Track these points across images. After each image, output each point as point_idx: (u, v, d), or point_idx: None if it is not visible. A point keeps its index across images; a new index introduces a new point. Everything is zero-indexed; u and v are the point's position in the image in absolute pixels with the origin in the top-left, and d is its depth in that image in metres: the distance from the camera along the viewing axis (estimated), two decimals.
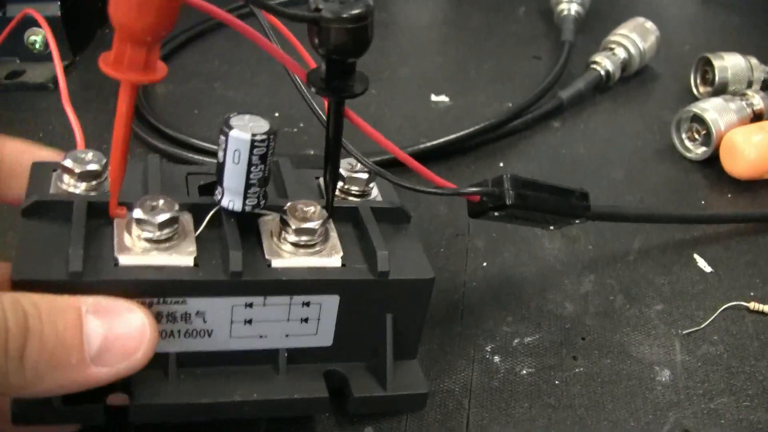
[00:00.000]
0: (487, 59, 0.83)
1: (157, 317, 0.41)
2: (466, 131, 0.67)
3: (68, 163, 0.43)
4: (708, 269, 0.56)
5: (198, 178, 0.47)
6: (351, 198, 0.47)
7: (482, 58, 0.84)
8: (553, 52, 0.82)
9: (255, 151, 0.40)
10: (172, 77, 0.80)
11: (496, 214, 0.47)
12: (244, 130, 0.40)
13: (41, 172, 0.45)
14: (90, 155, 0.44)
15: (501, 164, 0.66)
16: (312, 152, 0.65)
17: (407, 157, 0.45)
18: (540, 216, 0.49)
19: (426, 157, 0.65)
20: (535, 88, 0.72)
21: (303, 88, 0.46)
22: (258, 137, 0.40)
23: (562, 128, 0.72)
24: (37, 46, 0.81)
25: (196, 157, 0.66)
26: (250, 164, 0.40)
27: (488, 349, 0.50)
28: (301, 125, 0.70)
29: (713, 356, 0.49)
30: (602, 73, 0.76)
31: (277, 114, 0.72)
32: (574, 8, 0.85)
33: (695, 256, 0.57)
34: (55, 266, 0.39)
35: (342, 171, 0.46)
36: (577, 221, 0.49)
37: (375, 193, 0.48)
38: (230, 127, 0.40)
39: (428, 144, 0.65)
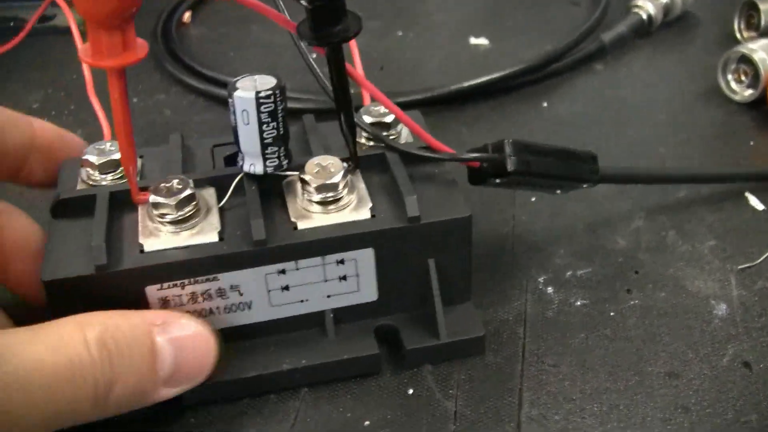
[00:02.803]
0: (524, 4, 0.81)
1: (193, 297, 0.39)
2: (508, 70, 0.64)
3: (90, 156, 0.42)
4: (760, 207, 0.52)
5: (224, 149, 0.45)
6: (380, 139, 0.44)
7: (519, 3, 0.81)
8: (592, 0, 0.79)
9: (262, 108, 0.39)
10: (206, 20, 0.80)
11: (497, 181, 0.44)
12: (247, 89, 0.38)
13: (69, 169, 0.44)
14: (110, 145, 0.43)
15: (545, 104, 0.64)
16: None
17: (403, 114, 0.43)
18: (545, 182, 0.45)
19: (468, 96, 0.63)
20: (575, 32, 0.70)
21: (299, 44, 0.44)
22: (263, 93, 0.38)
23: (604, 71, 0.69)
24: None
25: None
26: (260, 123, 0.39)
27: (541, 280, 0.47)
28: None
29: None
30: (644, 16, 0.72)
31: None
32: None
33: (747, 194, 0.53)
34: (81, 262, 0.38)
35: (367, 116, 0.45)
36: (585, 186, 0.46)
37: (405, 133, 0.45)
38: (235, 89, 0.38)
39: (471, 83, 0.63)
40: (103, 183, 0.43)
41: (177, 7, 0.79)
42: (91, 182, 0.43)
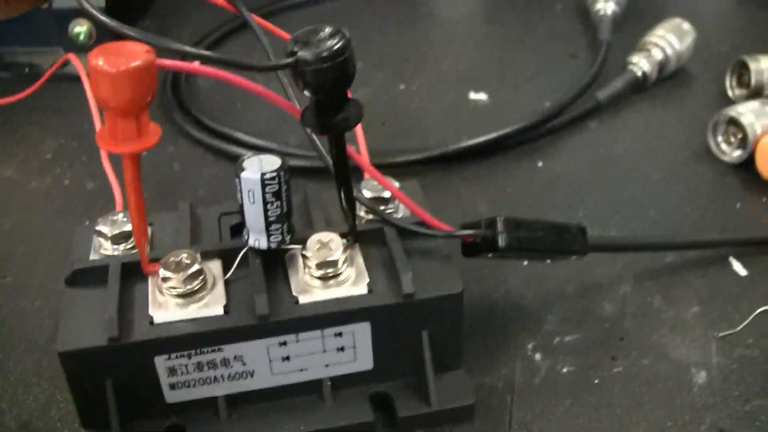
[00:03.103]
0: (524, 56, 0.82)
1: (198, 366, 0.41)
2: (504, 131, 0.66)
3: (103, 228, 0.44)
4: (743, 272, 0.54)
5: (230, 218, 0.47)
6: (378, 214, 0.46)
7: (520, 55, 0.82)
8: (590, 51, 0.81)
9: (267, 189, 0.40)
10: None
11: (489, 255, 0.46)
12: (253, 170, 0.40)
13: (82, 236, 0.46)
14: (123, 216, 0.45)
15: (540, 163, 0.65)
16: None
17: (399, 193, 0.45)
18: (535, 255, 0.48)
19: (466, 155, 0.65)
20: (572, 86, 0.71)
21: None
22: (267, 175, 0.40)
23: (599, 128, 0.70)
24: (81, 37, 0.79)
25: (240, 150, 0.65)
26: (265, 202, 0.41)
27: (530, 346, 0.49)
28: None
29: (748, 359, 0.48)
30: (639, 73, 0.73)
31: None
32: (611, 8, 0.82)
33: (731, 259, 0.55)
34: (95, 333, 0.40)
35: (366, 191, 0.46)
36: (574, 257, 0.48)
37: (403, 207, 0.47)
38: (241, 169, 0.40)
39: (469, 143, 0.65)
40: (115, 253, 0.45)
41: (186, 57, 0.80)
42: (103, 252, 0.45)
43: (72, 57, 0.57)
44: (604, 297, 0.53)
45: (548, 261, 0.50)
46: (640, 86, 0.74)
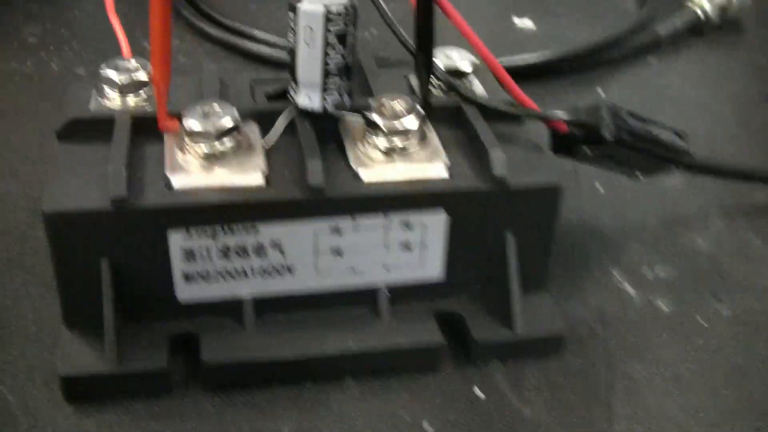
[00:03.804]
0: None
1: (224, 252, 0.31)
2: (564, 51, 0.57)
3: (109, 72, 0.34)
4: None
5: (265, 86, 0.37)
6: (455, 89, 0.36)
7: None
8: None
9: (330, 26, 0.31)
10: None
11: (587, 151, 0.36)
12: (316, 2, 0.30)
13: (78, 89, 0.35)
14: (134, 63, 0.34)
15: (599, 90, 0.57)
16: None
17: (496, 63, 0.34)
18: (637, 158, 0.38)
19: (521, 74, 0.54)
20: (622, 24, 0.63)
21: None
22: (334, 8, 0.31)
23: (659, 64, 0.62)
24: None
25: (258, 47, 0.56)
26: (326, 44, 0.31)
27: (617, 276, 0.40)
28: (374, 32, 0.59)
29: None
30: (699, 12, 0.66)
31: None
32: None
33: None
34: (93, 193, 0.30)
35: (438, 59, 0.36)
36: (674, 170, 0.39)
37: (478, 87, 0.37)
38: (299, 0, 0.31)
39: (522, 61, 0.56)
40: (122, 107, 0.34)
41: None
42: (107, 104, 0.34)
43: None
44: (692, 230, 0.43)
45: (639, 176, 0.39)
46: (699, 28, 0.66)
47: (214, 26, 0.59)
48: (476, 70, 0.38)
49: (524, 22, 0.66)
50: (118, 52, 0.39)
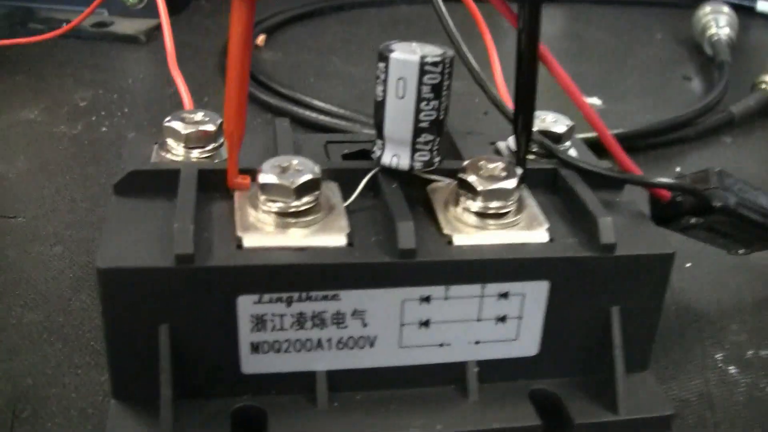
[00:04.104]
0: (632, 74, 0.72)
1: (299, 320, 0.28)
2: (641, 128, 0.56)
3: (174, 124, 0.30)
4: None
5: (341, 147, 0.34)
6: (551, 151, 0.33)
7: (627, 73, 0.72)
8: (703, 74, 0.72)
9: (425, 79, 0.28)
10: (281, 46, 0.71)
11: (693, 221, 0.33)
12: (408, 52, 0.28)
13: (138, 143, 0.32)
14: (201, 115, 0.31)
15: (678, 169, 0.53)
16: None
17: (600, 124, 0.31)
18: (744, 229, 0.34)
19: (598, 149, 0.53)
20: (686, 107, 0.61)
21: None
22: (429, 59, 0.27)
23: (733, 144, 0.60)
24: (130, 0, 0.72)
25: (319, 117, 0.54)
26: (419, 99, 0.28)
27: (719, 357, 0.36)
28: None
29: None
30: None
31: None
32: (725, 32, 0.76)
33: None
34: (156, 250, 0.26)
35: None
36: None
37: (573, 151, 0.34)
38: (390, 51, 0.28)
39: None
40: (186, 160, 0.31)
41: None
42: (170, 157, 0.31)
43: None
44: None
45: (741, 251, 0.36)
46: None
47: (273, 96, 0.57)
48: (569, 135, 0.34)
49: (593, 101, 0.65)
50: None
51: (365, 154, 0.32)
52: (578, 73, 0.70)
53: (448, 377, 0.30)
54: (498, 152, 0.35)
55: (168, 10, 0.65)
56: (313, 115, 0.54)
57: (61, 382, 0.32)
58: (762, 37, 0.81)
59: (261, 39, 0.70)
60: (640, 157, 0.55)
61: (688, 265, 0.42)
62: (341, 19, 0.80)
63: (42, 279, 0.38)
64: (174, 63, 0.38)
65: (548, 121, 0.34)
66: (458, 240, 0.28)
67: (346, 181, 0.30)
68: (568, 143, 0.34)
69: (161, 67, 0.47)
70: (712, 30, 0.76)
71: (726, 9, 0.78)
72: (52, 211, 0.43)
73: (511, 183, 0.29)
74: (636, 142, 0.56)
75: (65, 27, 0.54)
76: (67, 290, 0.37)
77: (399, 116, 0.28)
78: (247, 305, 0.27)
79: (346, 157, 0.33)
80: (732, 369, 0.35)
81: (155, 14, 0.70)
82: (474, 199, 0.29)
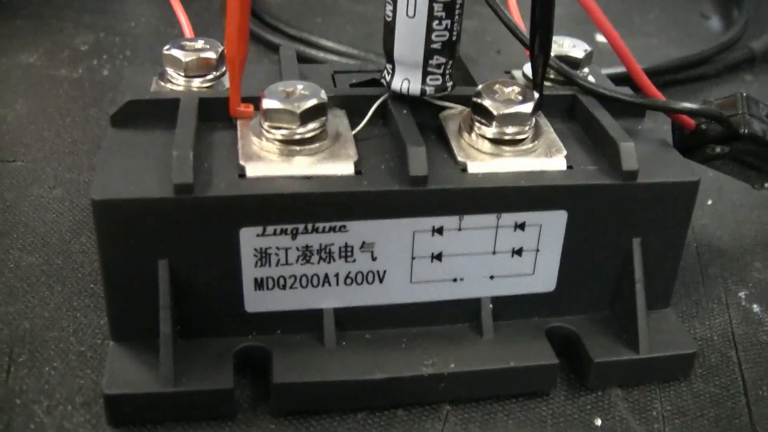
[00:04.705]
0: (650, 9, 0.71)
1: (305, 254, 0.26)
2: (658, 64, 0.54)
3: (174, 51, 0.29)
4: None
5: (349, 77, 0.33)
6: (569, 77, 0.31)
7: (647, 9, 0.71)
8: (723, 11, 0.71)
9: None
10: None
11: (718, 150, 0.31)
12: None
13: (137, 73, 0.31)
14: (202, 43, 0.30)
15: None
16: None
17: (623, 47, 0.30)
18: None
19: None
20: (705, 44, 0.59)
21: None
22: None
23: (755, 81, 0.58)
24: None
25: (327, 56, 0.53)
26: (431, 17, 0.26)
27: (742, 295, 0.35)
28: None
29: None
30: None
31: None
32: None
33: None
34: (153, 180, 0.25)
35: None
36: None
37: (592, 78, 0.33)
38: None
39: (616, 71, 0.50)
40: (186, 89, 0.29)
41: None
42: (169, 87, 0.29)
43: None
44: None
45: (766, 184, 0.35)
46: None
47: (279, 35, 0.56)
48: (587, 60, 0.33)
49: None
50: None
51: (375, 83, 0.31)
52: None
53: (461, 314, 0.29)
54: (513, 77, 0.34)
55: None
56: (321, 54, 0.53)
57: (59, 326, 0.31)
58: None
59: None
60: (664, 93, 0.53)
61: (709, 202, 0.41)
62: None
63: (41, 222, 0.36)
64: None
65: (566, 46, 0.33)
66: (472, 167, 0.27)
67: (355, 108, 0.29)
68: (586, 69, 0.33)
69: (164, 9, 0.47)
70: None
71: None
72: (52, 153, 0.42)
73: (528, 107, 0.27)
74: (654, 79, 0.53)
75: None
76: (66, 233, 0.36)
77: (409, 37, 0.27)
78: (249, 238, 0.26)
79: (354, 86, 0.32)
80: (756, 307, 0.34)
81: None
82: (489, 125, 0.27)
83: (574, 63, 0.32)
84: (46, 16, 0.59)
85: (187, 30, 0.34)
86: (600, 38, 0.60)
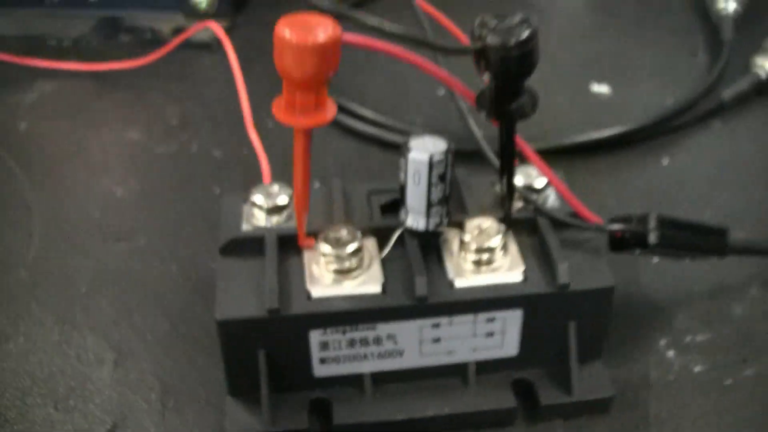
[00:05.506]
0: (643, 51, 0.79)
1: (351, 343, 0.41)
2: (633, 126, 0.65)
3: (258, 199, 0.44)
4: None
5: (379, 197, 0.47)
6: (529, 204, 0.46)
7: (639, 50, 0.80)
8: (710, 50, 0.79)
9: (434, 171, 0.40)
10: None
11: (637, 251, 0.46)
12: (422, 151, 0.40)
13: (231, 207, 0.46)
14: (276, 188, 0.45)
15: (665, 161, 0.64)
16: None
17: (561, 186, 0.45)
18: (679, 254, 0.48)
19: (593, 147, 0.64)
20: (693, 84, 0.70)
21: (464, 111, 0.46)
22: (436, 157, 0.40)
23: (723, 128, 0.68)
24: (203, 5, 0.80)
25: (365, 128, 0.66)
26: (430, 184, 0.41)
27: (662, 343, 0.49)
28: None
29: None
30: (763, 75, 0.72)
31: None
32: (732, 6, 0.80)
33: None
34: (253, 303, 0.41)
35: (518, 179, 0.46)
36: (714, 258, 0.48)
37: (552, 197, 0.47)
38: (409, 149, 0.40)
39: (598, 136, 0.64)
40: (268, 225, 0.45)
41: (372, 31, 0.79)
42: (256, 222, 0.45)
43: (214, 26, 0.57)
44: (733, 299, 0.52)
45: (687, 260, 0.50)
46: (763, 88, 0.73)
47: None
48: (546, 188, 0.47)
49: (601, 88, 0.73)
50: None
51: (397, 203, 0.44)
52: (593, 55, 0.79)
53: (454, 373, 0.44)
54: (496, 195, 0.47)
55: (235, 6, 0.77)
56: (361, 126, 0.66)
57: (191, 378, 0.47)
58: None
59: (380, 43, 0.79)
60: (634, 149, 0.65)
61: (655, 260, 0.54)
62: (385, 6, 0.83)
63: (165, 291, 0.51)
64: (251, 126, 0.52)
65: (533, 175, 0.47)
66: (458, 283, 0.42)
67: (382, 236, 0.44)
68: (547, 192, 0.47)
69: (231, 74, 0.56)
70: (720, 3, 0.80)
71: None
72: (164, 232, 0.55)
73: (497, 241, 0.42)
74: (633, 138, 0.65)
75: (174, 42, 0.66)
76: (184, 303, 0.50)
77: (416, 196, 0.41)
78: (316, 336, 0.41)
79: (383, 207, 0.47)
80: (670, 353, 0.48)
81: (227, 14, 0.79)
82: (469, 253, 0.43)
83: (537, 190, 0.47)
84: (140, 87, 0.71)
85: (266, 174, 0.49)
86: (595, 89, 0.74)
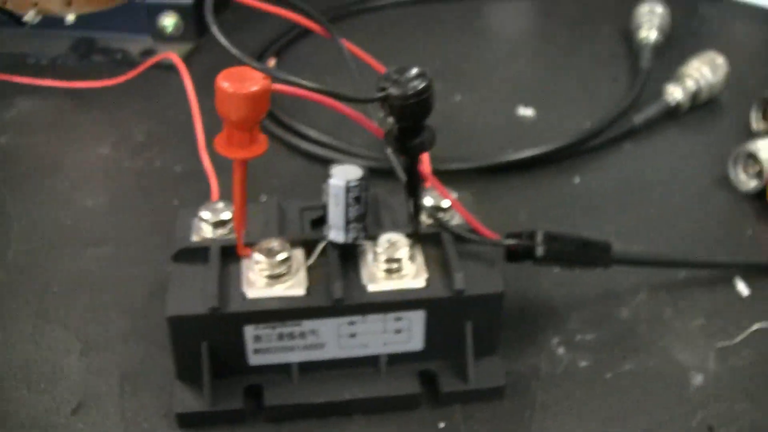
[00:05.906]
0: (570, 76, 0.86)
1: (280, 336, 0.49)
2: (549, 148, 0.72)
3: (205, 215, 0.52)
4: (746, 292, 0.61)
5: (310, 213, 0.55)
6: (437, 221, 0.53)
7: (566, 75, 0.86)
8: (631, 76, 0.86)
9: (350, 194, 0.48)
10: (291, 67, 0.84)
11: (530, 263, 0.55)
12: (340, 178, 0.48)
13: (184, 220, 0.54)
14: (222, 205, 0.53)
15: (577, 180, 0.71)
16: None
17: (459, 205, 0.53)
18: (566, 265, 0.56)
19: (511, 167, 0.71)
20: (612, 108, 0.77)
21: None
22: (352, 183, 0.48)
23: (633, 150, 0.75)
24: (169, 30, 0.86)
25: (311, 148, 0.73)
26: (347, 205, 0.48)
27: (554, 341, 0.56)
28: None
29: (740, 368, 0.54)
30: (673, 102, 0.79)
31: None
32: (654, 36, 0.88)
33: (736, 280, 0.62)
34: (198, 303, 0.48)
35: (428, 199, 0.54)
36: (598, 269, 0.56)
37: (458, 216, 0.54)
38: (330, 176, 0.48)
39: (516, 157, 0.71)
40: (214, 236, 0.53)
41: (264, 52, 0.87)
42: (203, 235, 0.53)
43: (174, 57, 0.65)
44: (622, 303, 0.60)
45: (577, 269, 0.58)
46: (673, 113, 0.80)
47: (278, 126, 0.75)
48: (451, 207, 0.55)
49: (527, 111, 0.81)
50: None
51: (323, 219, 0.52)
52: (523, 80, 0.86)
53: (368, 363, 0.52)
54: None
55: (199, 31, 0.84)
56: (306, 146, 0.74)
57: (147, 366, 0.54)
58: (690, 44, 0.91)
59: (272, 63, 0.83)
60: (550, 168, 0.73)
61: (556, 270, 0.61)
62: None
63: (128, 292, 0.59)
64: (203, 150, 0.60)
65: (441, 198, 0.54)
66: (371, 287, 0.49)
67: (309, 247, 0.52)
68: (453, 211, 0.55)
69: (198, 94, 0.62)
70: (643, 33, 0.88)
71: (660, 9, 0.87)
72: (130, 240, 0.61)
73: (404, 253, 0.50)
74: (547, 158, 0.73)
75: (143, 66, 0.72)
76: (144, 302, 0.57)
77: (336, 214, 0.49)
78: (250, 331, 0.49)
79: (313, 222, 0.54)
80: (560, 350, 0.56)
81: (192, 38, 0.87)
82: (381, 262, 0.51)
83: (443, 209, 0.55)
84: (111, 104, 0.77)
85: (215, 192, 0.57)
86: (521, 111, 0.83)
